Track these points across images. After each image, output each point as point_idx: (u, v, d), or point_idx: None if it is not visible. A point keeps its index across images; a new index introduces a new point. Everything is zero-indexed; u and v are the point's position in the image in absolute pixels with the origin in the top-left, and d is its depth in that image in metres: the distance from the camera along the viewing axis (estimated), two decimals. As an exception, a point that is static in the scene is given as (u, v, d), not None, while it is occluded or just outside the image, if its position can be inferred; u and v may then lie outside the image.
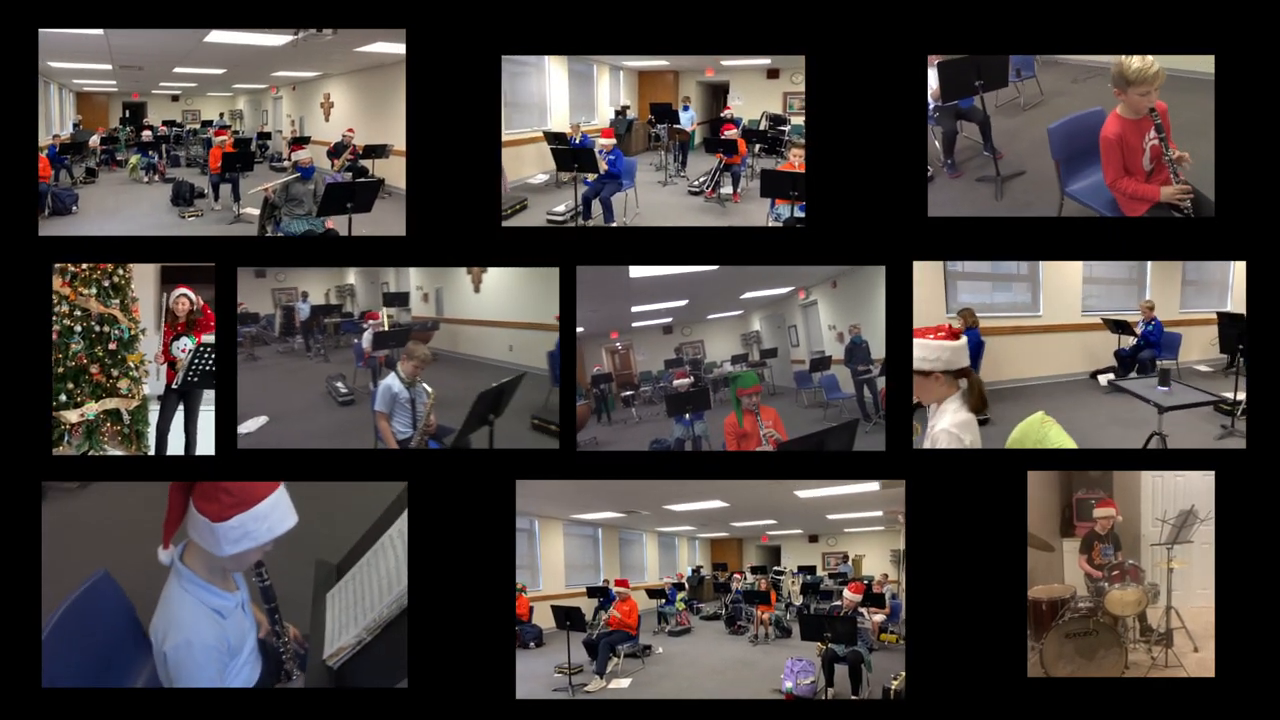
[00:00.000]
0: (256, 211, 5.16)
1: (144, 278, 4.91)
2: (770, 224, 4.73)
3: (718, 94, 5.73)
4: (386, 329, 5.56)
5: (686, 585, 6.10)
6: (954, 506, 4.13)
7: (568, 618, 5.14)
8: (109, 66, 5.20)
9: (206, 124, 5.75)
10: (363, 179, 5.11)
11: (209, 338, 4.45)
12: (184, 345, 4.78)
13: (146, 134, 5.55)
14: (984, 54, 4.29)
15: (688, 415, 5.23)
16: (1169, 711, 4.12)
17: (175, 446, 4.77)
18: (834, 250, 4.15)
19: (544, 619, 5.21)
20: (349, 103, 5.74)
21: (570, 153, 5.07)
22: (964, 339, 3.78)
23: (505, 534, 4.14)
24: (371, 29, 4.33)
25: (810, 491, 4.70)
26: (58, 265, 4.42)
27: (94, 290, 4.70)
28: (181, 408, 4.83)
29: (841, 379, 5.97)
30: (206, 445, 4.46)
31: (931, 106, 4.49)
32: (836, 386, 6.02)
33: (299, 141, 5.66)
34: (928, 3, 4.12)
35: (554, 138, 5.23)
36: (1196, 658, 4.43)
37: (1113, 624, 4.46)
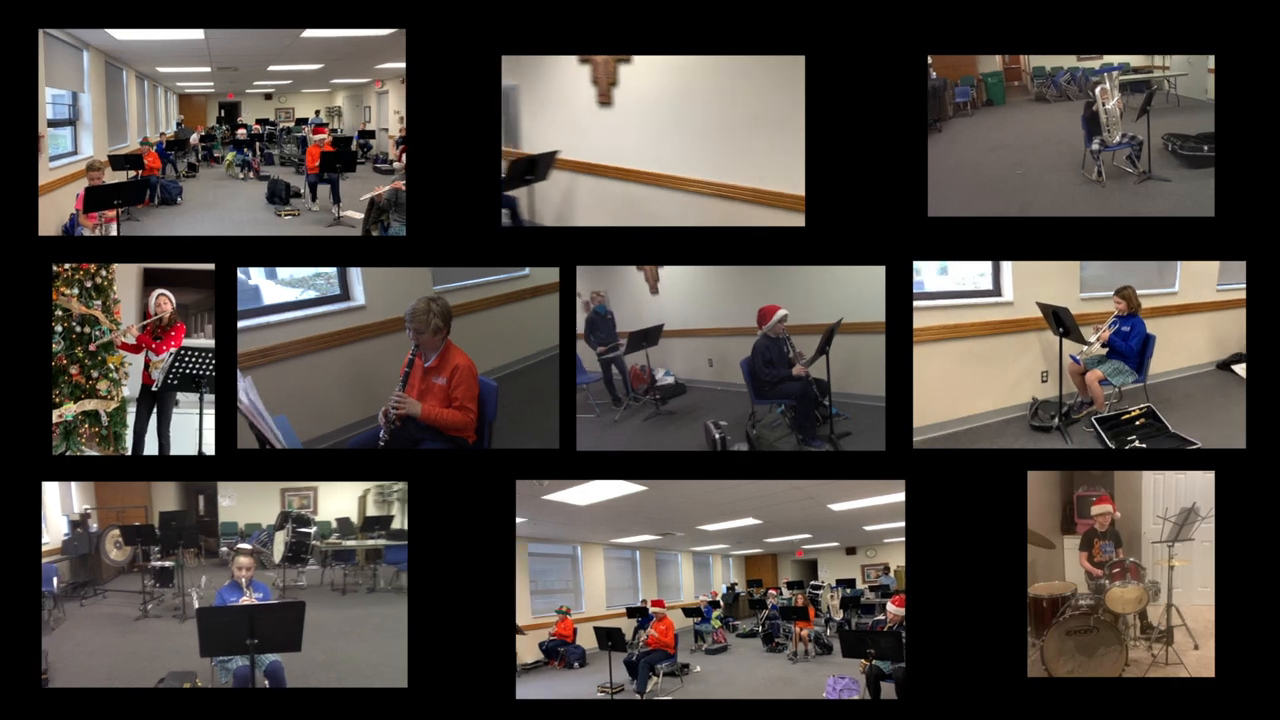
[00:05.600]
0: (359, 215, 5.01)
1: (126, 279, 4.82)
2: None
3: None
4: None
5: (721, 603, 6.04)
6: (954, 506, 4.13)
7: (609, 638, 5.13)
8: (208, 69, 5.37)
9: (301, 122, 5.72)
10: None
11: (202, 342, 4.41)
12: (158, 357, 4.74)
13: (241, 132, 5.60)
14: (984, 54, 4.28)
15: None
16: (1169, 710, 4.13)
17: (150, 450, 4.68)
18: (834, 250, 4.15)
19: (586, 640, 5.25)
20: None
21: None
22: None
23: (505, 534, 4.14)
24: (377, 28, 4.32)
25: (845, 504, 4.55)
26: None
27: (76, 290, 4.60)
28: (155, 411, 4.72)
29: (587, 358, 5.43)
30: (179, 449, 4.58)
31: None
32: (580, 368, 5.17)
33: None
34: (928, 3, 4.11)
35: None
36: (1196, 655, 4.43)
37: (1113, 621, 4.46)
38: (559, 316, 4.23)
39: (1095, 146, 4.78)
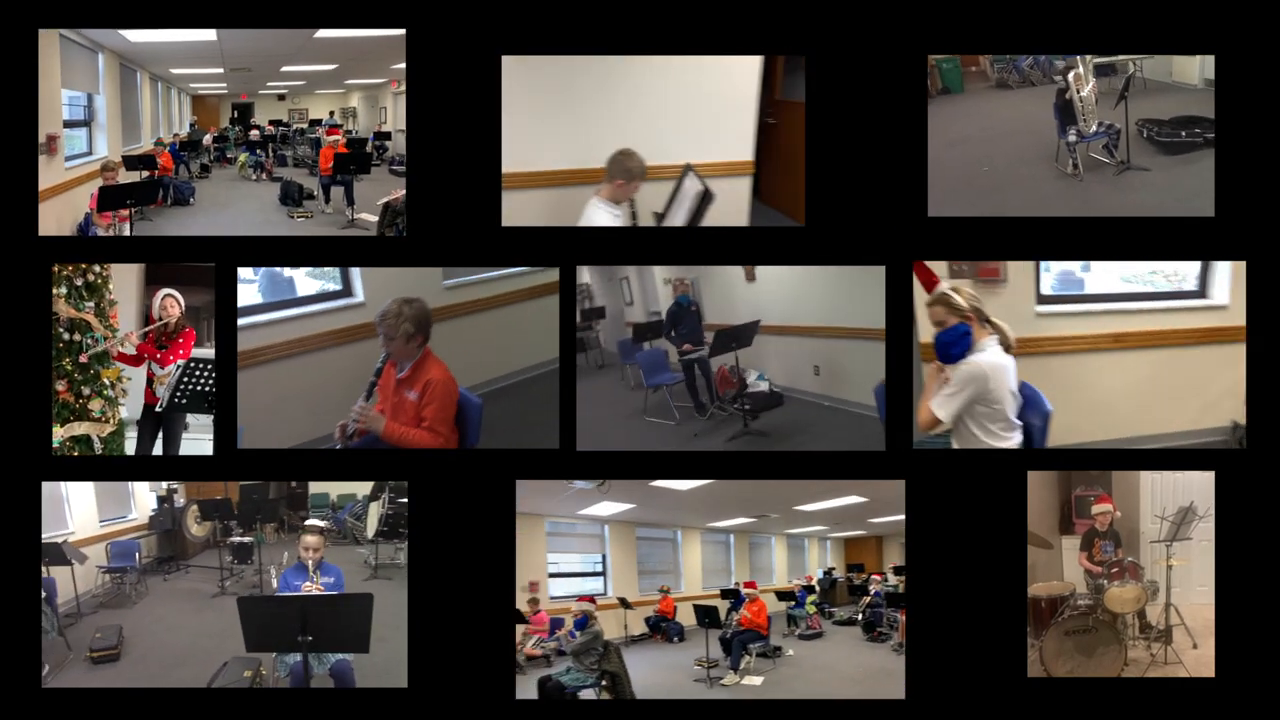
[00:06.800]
0: (374, 218, 4.88)
1: (125, 278, 4.57)
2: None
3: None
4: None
5: (817, 588, 5.86)
6: (954, 506, 4.13)
7: (706, 616, 5.20)
8: (221, 70, 5.35)
9: (315, 123, 5.71)
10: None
11: (201, 352, 4.22)
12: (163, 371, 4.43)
13: (254, 133, 5.58)
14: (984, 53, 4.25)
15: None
16: (1168, 710, 4.14)
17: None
18: (834, 250, 4.15)
19: (685, 618, 5.39)
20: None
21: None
22: None
23: (505, 534, 4.14)
24: (377, 28, 4.31)
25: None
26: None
27: (64, 290, 4.27)
28: (160, 435, 4.42)
29: (670, 356, 5.04)
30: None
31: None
32: (663, 366, 4.94)
33: (430, 142, 5.41)
34: (928, 3, 4.12)
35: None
36: (1195, 654, 4.44)
37: (1112, 621, 4.46)
38: (559, 317, 4.21)
39: (1071, 138, 4.55)
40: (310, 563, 4.17)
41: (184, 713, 4.11)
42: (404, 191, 4.49)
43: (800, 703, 4.31)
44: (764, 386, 4.82)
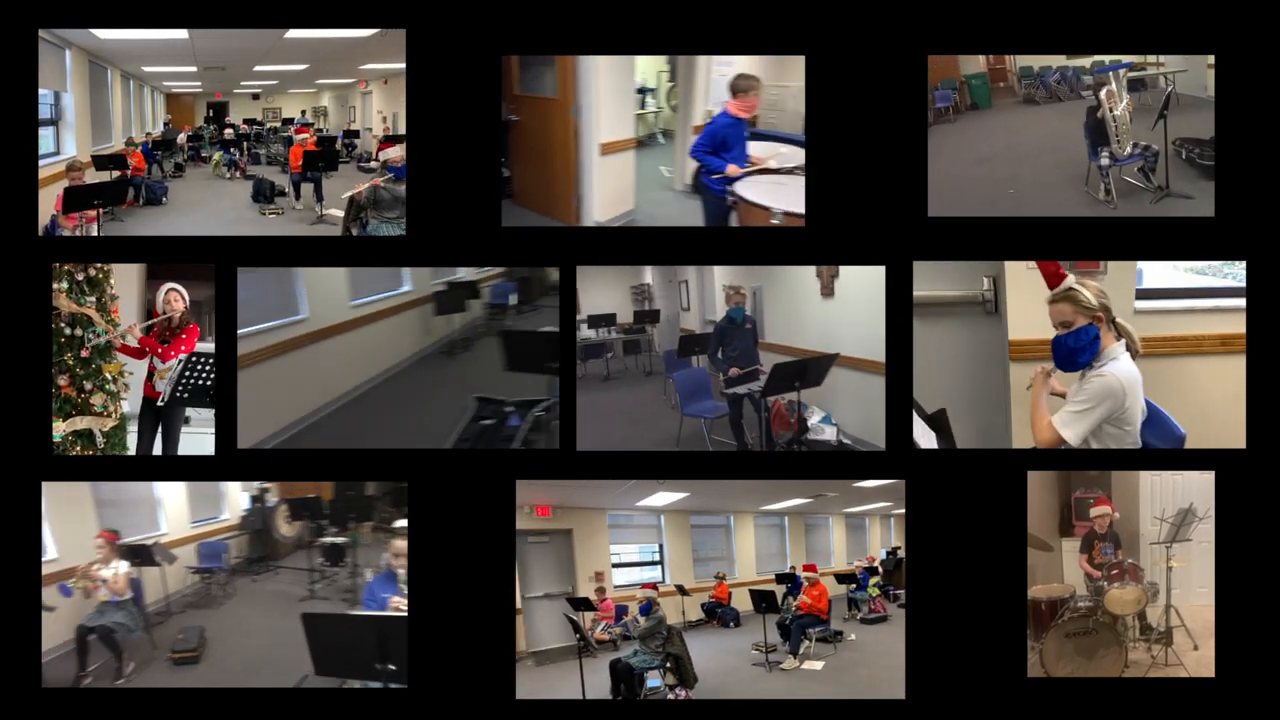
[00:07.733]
0: (341, 213, 4.90)
1: (126, 272, 4.52)
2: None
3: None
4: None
5: (880, 569, 5.53)
6: (954, 506, 4.13)
7: (763, 600, 5.16)
8: (194, 68, 5.36)
9: (287, 122, 5.77)
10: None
11: (204, 346, 4.21)
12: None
13: (228, 132, 5.63)
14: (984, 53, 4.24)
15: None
16: (1169, 711, 4.13)
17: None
18: (834, 250, 4.15)
19: (741, 603, 5.44)
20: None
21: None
22: None
23: (505, 534, 4.13)
24: (377, 28, 4.31)
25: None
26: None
27: (65, 285, 4.22)
28: (160, 429, 4.37)
29: (715, 383, 4.56)
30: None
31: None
32: (704, 392, 4.28)
33: (390, 140, 5.26)
34: (928, 3, 4.12)
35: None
36: (1196, 656, 4.43)
37: (1112, 623, 4.45)
38: (559, 318, 4.20)
39: (1104, 161, 4.26)
40: (401, 572, 3.84)
41: (183, 709, 4.10)
42: (366, 185, 4.67)
43: (800, 703, 4.31)
44: (830, 434, 4.20)
